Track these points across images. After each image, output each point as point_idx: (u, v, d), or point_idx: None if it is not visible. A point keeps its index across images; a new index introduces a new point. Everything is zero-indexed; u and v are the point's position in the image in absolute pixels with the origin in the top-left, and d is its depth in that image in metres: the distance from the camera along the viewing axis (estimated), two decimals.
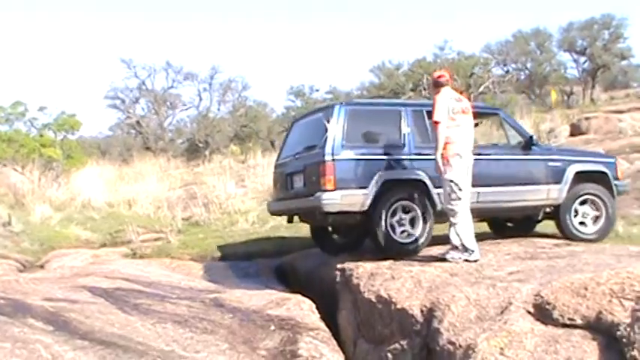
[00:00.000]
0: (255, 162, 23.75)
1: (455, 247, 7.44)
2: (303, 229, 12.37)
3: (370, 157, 8.30)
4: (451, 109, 7.55)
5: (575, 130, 22.08)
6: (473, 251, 7.38)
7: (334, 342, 6.29)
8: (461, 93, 7.91)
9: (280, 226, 12.93)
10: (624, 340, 4.44)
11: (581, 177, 9.34)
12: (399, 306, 6.39)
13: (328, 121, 8.37)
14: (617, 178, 9.70)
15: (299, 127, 9.91)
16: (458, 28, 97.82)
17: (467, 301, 5.81)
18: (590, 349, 4.62)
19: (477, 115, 9.17)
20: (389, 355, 6.30)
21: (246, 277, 9.93)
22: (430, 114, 8.18)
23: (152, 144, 38.52)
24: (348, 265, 8.05)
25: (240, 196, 15.58)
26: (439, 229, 8.37)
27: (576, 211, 9.31)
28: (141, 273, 9.35)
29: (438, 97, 7.62)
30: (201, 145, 37.05)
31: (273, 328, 6.19)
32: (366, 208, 8.16)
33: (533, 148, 9.29)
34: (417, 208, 8.30)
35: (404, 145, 8.49)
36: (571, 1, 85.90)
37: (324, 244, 9.93)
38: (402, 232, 8.27)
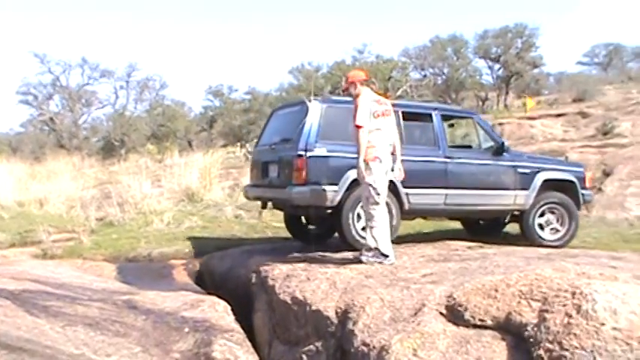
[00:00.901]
0: (172, 161, 23.49)
1: (370, 249, 7.48)
2: (217, 230, 12.31)
3: (342, 154, 8.36)
4: (373, 112, 7.50)
5: None
6: (388, 256, 7.44)
7: (249, 344, 6.24)
8: (385, 94, 7.91)
9: (196, 227, 12.85)
10: (531, 339, 4.55)
11: (549, 185, 9.61)
12: (314, 307, 6.40)
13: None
14: (584, 187, 9.97)
15: (277, 117, 10.00)
16: (377, 32, 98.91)
17: (381, 303, 5.85)
18: (499, 349, 4.71)
19: (453, 117, 9.98)
20: (304, 356, 6.30)
21: (160, 278, 9.79)
22: (404, 115, 8.79)
23: (66, 142, 37.77)
24: (263, 266, 8.04)
25: (156, 196, 15.34)
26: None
27: (541, 218, 9.63)
28: (51, 274, 9.08)
29: (360, 100, 7.55)
30: (117, 143, 36.50)
31: (187, 330, 6.11)
32: (335, 204, 8.35)
33: (504, 153, 9.49)
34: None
35: None
36: (486, 9, 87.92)
37: (296, 233, 10.20)
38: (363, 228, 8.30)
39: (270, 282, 7.48)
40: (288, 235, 10.51)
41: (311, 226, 10.17)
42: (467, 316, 5.18)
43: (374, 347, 5.25)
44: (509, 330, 4.88)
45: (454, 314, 5.30)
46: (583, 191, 9.93)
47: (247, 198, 10.50)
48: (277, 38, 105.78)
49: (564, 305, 4.65)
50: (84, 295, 7.66)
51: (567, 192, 9.77)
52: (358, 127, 7.42)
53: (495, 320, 5.03)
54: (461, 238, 9.67)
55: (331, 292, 6.53)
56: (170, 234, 12.61)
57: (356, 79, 7.71)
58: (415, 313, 5.51)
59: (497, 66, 40.69)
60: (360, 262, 7.44)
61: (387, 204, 8.05)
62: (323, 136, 8.49)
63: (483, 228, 10.90)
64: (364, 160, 7.37)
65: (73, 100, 40.39)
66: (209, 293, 8.11)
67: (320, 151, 8.38)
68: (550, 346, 4.38)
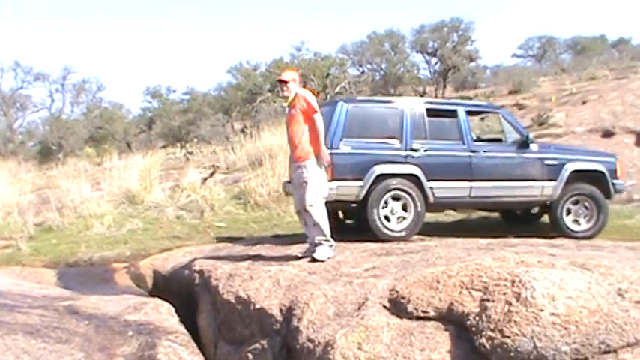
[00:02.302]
0: (112, 164, 23.09)
1: (317, 244, 7.47)
2: (159, 232, 12.18)
3: (367, 151, 8.97)
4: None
5: None
6: (332, 245, 7.48)
7: (194, 345, 6.20)
8: (317, 94, 7.92)
9: (137, 229, 12.68)
10: (473, 328, 4.62)
11: (578, 176, 9.72)
12: (258, 306, 6.39)
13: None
14: (615, 178, 10.02)
15: None
16: (314, 29, 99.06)
17: (325, 299, 5.87)
18: (442, 339, 4.78)
19: (478, 112, 10.45)
20: (249, 355, 6.28)
21: (102, 282, 9.65)
22: (429, 111, 9.37)
23: (1, 147, 36.89)
24: (206, 266, 7.99)
25: (96, 199, 15.08)
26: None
27: (569, 209, 9.71)
28: None
29: (308, 93, 7.58)
30: (54, 147, 35.80)
31: (131, 333, 6.03)
32: (361, 198, 8.85)
33: (530, 146, 9.66)
34: (409, 200, 8.96)
35: (401, 140, 9.11)
36: (422, 4, 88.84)
37: (334, 227, 10.20)
38: (398, 218, 8.97)
39: (214, 282, 7.44)
40: (230, 234, 10.46)
41: (348, 221, 10.60)
42: (410, 308, 5.23)
43: (319, 343, 5.26)
44: (452, 320, 4.94)
45: (397, 307, 5.34)
46: (614, 181, 9.97)
47: (286, 194, 10.83)
48: (214, 37, 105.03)
49: (504, 293, 4.74)
50: (23, 302, 7.50)
51: (597, 183, 9.86)
52: (315, 112, 7.46)
53: (438, 311, 5.09)
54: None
55: (275, 289, 6.53)
56: (111, 237, 12.43)
57: (295, 77, 7.72)
58: (359, 307, 5.54)
59: (434, 60, 41.06)
60: (309, 257, 7.41)
61: (413, 197, 8.91)
62: (348, 134, 8.96)
63: (520, 218, 11.13)
64: (302, 158, 7.37)
65: (6, 105, 39.60)
66: (152, 295, 8.04)
67: (345, 148, 8.87)
68: (491, 334, 4.45)
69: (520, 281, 4.77)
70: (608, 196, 9.88)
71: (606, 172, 9.91)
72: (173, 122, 40.66)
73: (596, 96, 22.54)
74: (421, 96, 38.22)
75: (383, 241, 8.53)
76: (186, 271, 8.57)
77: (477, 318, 4.68)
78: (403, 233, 8.89)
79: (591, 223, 9.74)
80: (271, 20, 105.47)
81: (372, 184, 8.84)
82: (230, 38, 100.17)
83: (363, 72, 40.35)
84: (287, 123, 7.71)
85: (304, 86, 7.85)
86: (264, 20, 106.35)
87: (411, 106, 9.40)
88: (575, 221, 9.76)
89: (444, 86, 40.09)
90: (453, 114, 9.61)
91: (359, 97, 10.65)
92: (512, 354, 4.28)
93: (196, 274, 8.12)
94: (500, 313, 4.54)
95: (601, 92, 22.89)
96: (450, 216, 12.43)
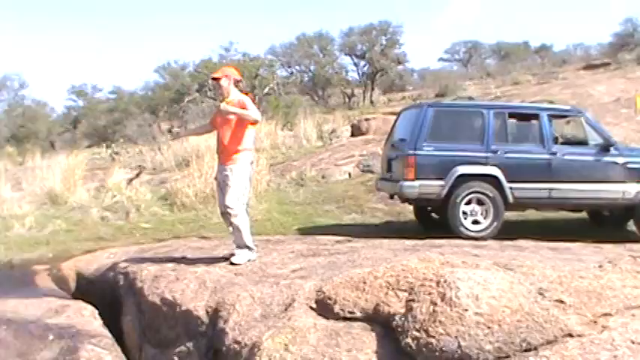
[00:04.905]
0: (34, 164, 22.59)
1: (240, 248, 7.42)
2: (83, 233, 11.94)
3: (449, 152, 9.66)
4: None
5: (356, 131, 22.79)
6: (253, 249, 7.43)
7: (118, 348, 6.11)
8: (247, 94, 7.82)
9: (60, 231, 12.41)
10: (399, 329, 4.64)
11: None
12: (183, 308, 6.31)
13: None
14: None
15: (404, 117, 11.01)
16: (243, 29, 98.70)
17: (251, 300, 5.84)
18: (369, 340, 4.78)
19: (560, 116, 10.71)
20: (175, 358, 6.19)
21: (22, 285, 9.34)
22: (511, 115, 9.98)
23: None
24: (131, 268, 7.85)
25: (17, 200, 14.71)
26: None
27: None
28: None
29: (248, 99, 7.38)
30: None
31: (51, 337, 5.90)
32: (442, 197, 9.55)
33: (612, 149, 9.94)
34: (489, 200, 9.56)
35: (482, 142, 9.71)
36: (351, 7, 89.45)
37: (423, 220, 11.39)
38: (473, 221, 9.58)
39: (139, 284, 7.31)
40: (156, 235, 10.32)
41: (434, 215, 11.09)
42: (336, 309, 5.23)
43: (245, 345, 5.22)
44: (378, 321, 4.96)
45: (324, 308, 5.34)
46: None
47: (378, 190, 11.80)
48: (142, 36, 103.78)
49: (429, 294, 4.78)
50: None
51: None
52: (252, 122, 7.34)
53: (364, 312, 5.11)
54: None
55: (201, 291, 6.46)
56: (32, 239, 12.11)
57: (232, 76, 7.57)
58: (286, 309, 5.52)
59: (362, 63, 41.44)
60: (232, 263, 7.33)
61: (492, 198, 9.49)
62: (432, 136, 9.65)
63: (609, 220, 11.29)
64: (229, 162, 7.30)
65: None
66: (75, 298, 7.86)
67: (428, 149, 9.56)
68: (417, 334, 4.48)
69: (445, 282, 4.82)
70: None
71: None
72: (99, 121, 40.05)
73: (520, 100, 23.05)
74: (349, 98, 38.58)
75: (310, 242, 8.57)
76: (111, 273, 8.40)
77: (403, 318, 4.70)
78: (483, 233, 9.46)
79: None
80: (200, 20, 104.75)
81: (452, 184, 9.50)
82: (158, 38, 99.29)
83: (291, 73, 40.47)
84: (219, 124, 7.53)
85: (243, 92, 7.70)
86: (194, 20, 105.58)
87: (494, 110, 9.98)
88: None
89: (372, 89, 40.49)
90: (535, 118, 10.05)
91: (443, 102, 11.59)
92: (437, 354, 4.32)
93: (121, 276, 7.96)
94: (425, 314, 4.58)
95: (524, 96, 23.47)
96: (377, 217, 12.54)
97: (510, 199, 9.56)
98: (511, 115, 10.02)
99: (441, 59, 57.65)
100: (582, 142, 10.36)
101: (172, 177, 16.61)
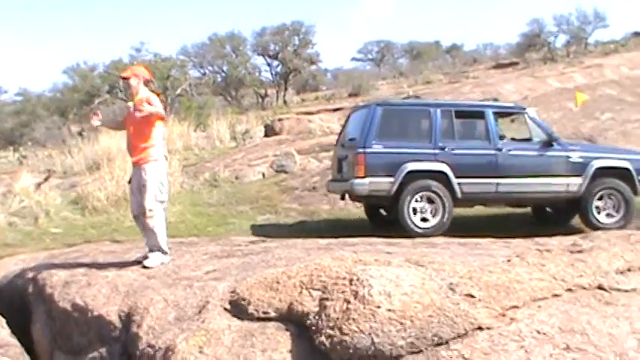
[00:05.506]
0: None
1: (152, 251, 7.32)
2: None
3: (398, 150, 9.93)
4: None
5: (270, 131, 22.73)
6: (167, 252, 7.35)
7: (27, 357, 5.97)
8: (158, 95, 7.70)
9: None
10: (313, 327, 4.67)
11: (604, 172, 10.14)
12: (96, 313, 6.21)
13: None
14: None
15: (353, 118, 11.27)
16: (154, 30, 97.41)
17: (165, 303, 5.79)
18: (283, 339, 4.80)
19: (505, 113, 11.16)
20: None
21: None
22: (457, 113, 10.23)
23: None
24: (41, 274, 7.65)
25: None
26: None
27: (598, 202, 10.16)
28: None
29: (154, 96, 7.31)
30: None
31: None
32: (392, 194, 9.80)
33: (555, 144, 10.26)
34: (437, 196, 9.80)
35: (430, 140, 10.02)
36: (263, 7, 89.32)
37: (373, 219, 11.50)
38: (422, 218, 9.83)
39: (49, 290, 7.14)
40: (67, 240, 10.09)
41: (384, 213, 11.30)
42: (251, 309, 5.23)
43: (159, 348, 5.18)
44: (293, 320, 4.97)
45: (238, 309, 5.33)
46: None
47: (329, 191, 11.99)
48: (50, 37, 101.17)
49: (343, 292, 4.81)
50: None
51: (624, 179, 10.27)
52: (160, 118, 7.28)
53: (279, 312, 5.11)
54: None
55: (113, 295, 6.36)
56: None
57: (141, 76, 7.45)
58: (200, 311, 5.49)
59: (275, 63, 41.50)
60: (145, 267, 7.21)
61: (441, 194, 9.74)
62: (381, 135, 9.92)
63: (551, 215, 11.60)
64: (141, 161, 7.18)
65: None
66: None
67: (377, 147, 9.83)
68: (331, 332, 4.51)
69: (358, 280, 4.86)
70: (635, 191, 10.35)
71: (632, 169, 10.36)
72: (5, 124, 38.85)
73: (432, 99, 23.46)
74: (262, 98, 38.55)
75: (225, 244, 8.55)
76: (19, 281, 8.16)
77: (317, 317, 4.73)
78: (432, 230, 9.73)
79: (618, 216, 10.25)
80: (110, 20, 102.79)
81: (402, 181, 9.75)
82: (66, 38, 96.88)
83: (204, 74, 40.27)
84: (128, 124, 7.42)
85: (155, 92, 7.60)
86: (103, 19, 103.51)
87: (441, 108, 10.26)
88: (603, 214, 10.27)
89: (286, 89, 40.55)
90: (481, 115, 10.36)
91: (391, 101, 12.16)
92: (351, 351, 4.35)
93: (30, 283, 7.74)
94: (339, 312, 4.61)
95: (436, 95, 23.88)
96: (291, 217, 12.56)
97: (459, 194, 9.86)
98: (457, 113, 10.31)
99: (354, 59, 58.29)
100: (531, 139, 10.74)
101: (83, 180, 16.24)
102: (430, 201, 9.82)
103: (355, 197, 10.59)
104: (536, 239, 8.06)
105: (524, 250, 6.03)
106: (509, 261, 5.56)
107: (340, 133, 11.72)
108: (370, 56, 57.72)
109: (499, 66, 41.97)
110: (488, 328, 4.42)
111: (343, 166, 10.66)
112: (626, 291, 5.13)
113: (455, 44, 56.79)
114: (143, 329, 5.58)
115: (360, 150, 9.84)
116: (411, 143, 10.03)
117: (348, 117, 11.66)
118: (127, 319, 5.90)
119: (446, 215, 9.79)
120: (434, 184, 9.78)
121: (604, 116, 18.81)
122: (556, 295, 4.92)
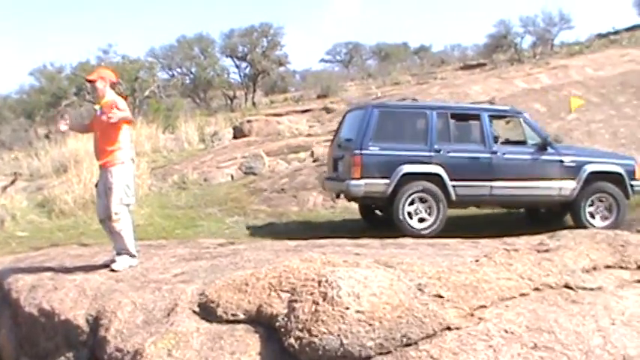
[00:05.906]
0: None
1: (120, 254, 7.25)
2: None
3: (394, 152, 10.04)
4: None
5: (238, 133, 22.67)
6: (135, 255, 7.29)
7: None
8: (126, 98, 7.65)
9: None
10: (282, 329, 4.67)
11: (596, 176, 10.25)
12: (63, 317, 6.14)
13: None
14: (634, 179, 10.50)
15: (349, 118, 11.36)
16: (122, 32, 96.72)
17: (133, 307, 5.75)
18: (252, 342, 4.79)
19: (500, 117, 11.32)
20: None
21: None
22: (453, 115, 10.35)
23: None
24: (6, 279, 7.55)
25: None
26: None
27: (590, 206, 10.30)
28: None
29: (120, 99, 7.26)
30: None
31: None
32: (387, 195, 9.92)
33: (549, 148, 10.37)
34: (432, 198, 9.92)
35: (426, 142, 10.14)
36: (231, 9, 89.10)
37: (368, 218, 11.68)
38: (419, 219, 9.94)
39: (14, 295, 7.05)
40: (33, 244, 9.98)
41: (378, 212, 11.47)
42: (219, 312, 5.22)
43: (128, 352, 5.16)
44: (262, 322, 4.97)
45: (207, 311, 5.32)
46: (632, 182, 10.51)
47: (324, 189, 12.19)
48: (15, 38, 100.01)
49: (311, 294, 4.81)
50: None
51: (616, 183, 10.38)
52: (127, 121, 7.20)
53: (247, 314, 5.11)
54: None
55: (81, 299, 6.30)
56: None
57: (108, 78, 7.39)
58: (168, 314, 5.47)
59: (244, 64, 41.37)
60: (113, 270, 7.15)
61: (436, 196, 9.87)
62: (377, 137, 10.03)
63: (544, 216, 11.59)
64: (108, 163, 7.12)
65: None
66: None
67: (373, 149, 9.93)
68: (300, 334, 4.51)
69: (327, 281, 4.86)
70: (626, 196, 10.48)
71: (624, 174, 10.49)
72: None
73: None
74: (231, 100, 38.45)
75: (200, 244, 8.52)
76: None
77: (286, 319, 4.73)
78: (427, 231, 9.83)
79: (611, 219, 10.35)
80: (77, 21, 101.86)
81: (397, 183, 9.85)
82: (33, 40, 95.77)
83: (172, 76, 40.05)
84: (95, 127, 7.35)
85: (121, 95, 7.55)
86: (70, 20, 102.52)
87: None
88: (597, 217, 10.40)
89: (254, 90, 40.48)
90: (476, 118, 10.48)
91: (388, 103, 12.35)
92: (320, 352, 4.36)
93: None
94: (307, 313, 4.61)
95: (404, 97, 23.92)
96: (260, 219, 12.55)
97: (453, 196, 9.99)
98: (453, 116, 10.42)
99: (322, 60, 58.10)
100: (526, 142, 10.86)
101: (50, 183, 16.11)
102: (425, 202, 9.92)
103: (350, 197, 10.69)
104: (504, 239, 8.14)
105: (492, 250, 6.08)
106: (477, 261, 5.61)
107: (336, 133, 11.80)
108: (339, 57, 57.69)
109: (467, 67, 42.15)
110: (457, 328, 4.46)
111: (339, 166, 10.76)
112: (592, 289, 5.21)
113: (423, 45, 56.97)
114: (111, 333, 5.53)
115: (357, 151, 9.95)
116: (407, 145, 10.16)
117: (344, 117, 11.78)
118: (95, 323, 5.85)
119: (440, 217, 9.90)
120: (429, 186, 9.89)
121: (569, 117, 19.05)
122: (523, 295, 4.98)
